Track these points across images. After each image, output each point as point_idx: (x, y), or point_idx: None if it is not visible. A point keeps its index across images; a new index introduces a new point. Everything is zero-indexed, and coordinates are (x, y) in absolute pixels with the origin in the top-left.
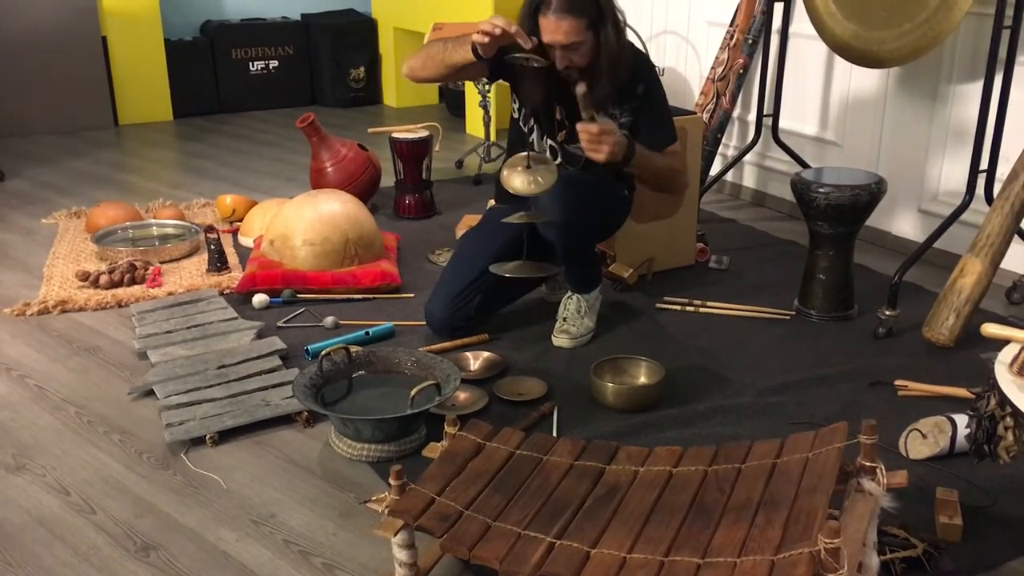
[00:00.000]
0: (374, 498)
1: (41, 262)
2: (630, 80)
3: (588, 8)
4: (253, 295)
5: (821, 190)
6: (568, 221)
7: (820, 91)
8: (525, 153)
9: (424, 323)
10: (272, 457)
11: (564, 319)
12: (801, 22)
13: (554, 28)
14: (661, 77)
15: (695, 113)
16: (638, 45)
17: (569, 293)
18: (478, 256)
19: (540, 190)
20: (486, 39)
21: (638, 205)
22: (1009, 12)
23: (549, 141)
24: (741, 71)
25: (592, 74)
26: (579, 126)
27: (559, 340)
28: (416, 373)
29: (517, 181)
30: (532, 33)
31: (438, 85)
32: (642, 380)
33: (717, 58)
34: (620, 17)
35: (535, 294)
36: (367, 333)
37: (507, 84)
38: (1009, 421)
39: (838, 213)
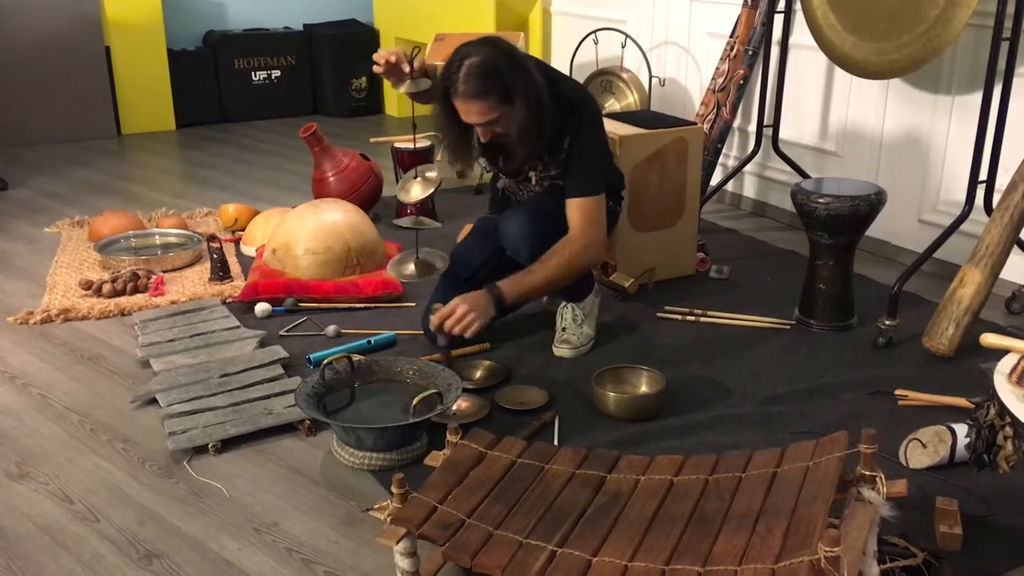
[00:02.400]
0: (376, 506)
1: (44, 271)
2: (556, 134)
3: (493, 88)
4: (255, 304)
5: (821, 200)
6: (529, 247)
7: (820, 102)
8: (413, 171)
9: (423, 332)
10: (274, 465)
11: (563, 329)
12: (801, 33)
13: (465, 110)
14: (662, 87)
15: (695, 124)
16: (635, 56)
17: (563, 302)
18: (467, 266)
19: (434, 187)
20: (378, 71)
21: (639, 215)
22: (1008, 24)
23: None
24: (741, 82)
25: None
26: (436, 323)
27: (560, 350)
28: (418, 382)
29: (416, 189)
30: (452, 113)
31: None
32: (643, 389)
33: (718, 69)
34: (535, 84)
35: (535, 303)
36: (369, 342)
37: None
38: (1008, 431)
39: (838, 223)
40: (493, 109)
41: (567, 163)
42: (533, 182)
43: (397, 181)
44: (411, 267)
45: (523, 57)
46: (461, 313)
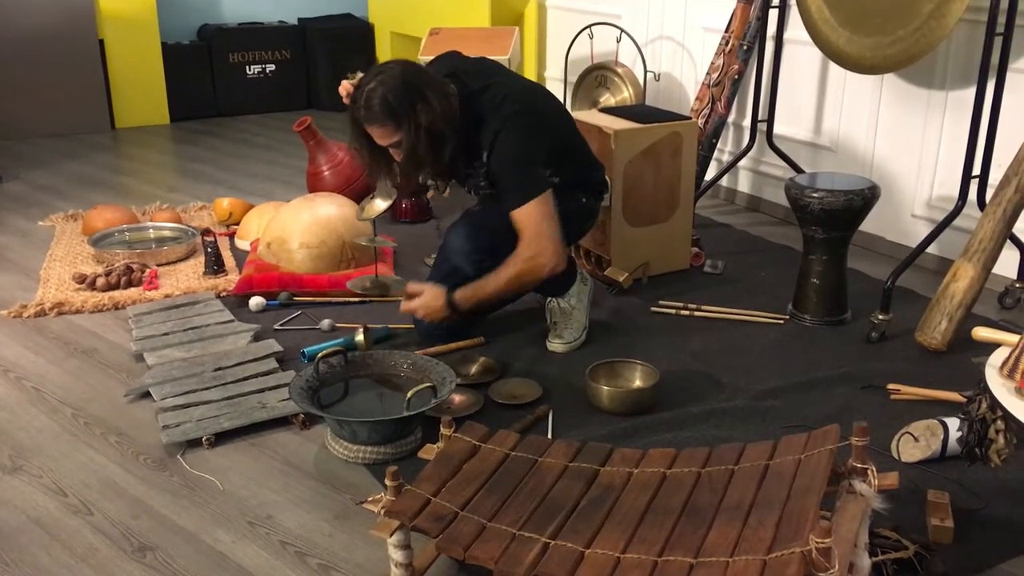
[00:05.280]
0: (370, 499)
1: (38, 264)
2: (474, 147)
3: (386, 115)
4: (250, 298)
5: (815, 195)
6: (470, 262)
7: (814, 97)
8: (371, 194)
9: None
10: (268, 459)
11: (554, 324)
12: (796, 28)
13: (371, 134)
14: (657, 82)
15: (690, 118)
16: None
17: (548, 298)
18: (447, 263)
19: (391, 197)
20: (347, 101)
21: (634, 209)
22: (1001, 19)
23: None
24: (736, 77)
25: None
26: (402, 308)
27: (553, 345)
28: (412, 376)
29: (377, 203)
30: (363, 133)
31: None
32: (637, 383)
33: (712, 64)
34: (430, 107)
35: (530, 298)
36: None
37: None
38: (1000, 424)
39: (832, 218)
40: (392, 133)
41: (494, 176)
42: (472, 193)
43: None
44: (367, 283)
45: (424, 79)
46: (414, 306)
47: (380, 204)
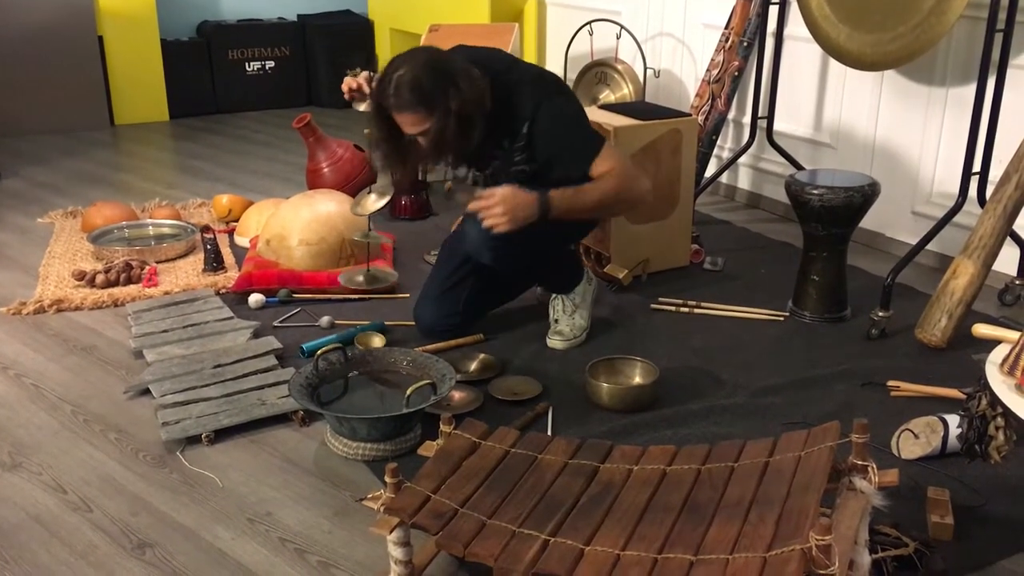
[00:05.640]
0: (370, 496)
1: (37, 261)
2: (511, 126)
3: (420, 101)
4: (249, 295)
5: (815, 192)
6: (489, 249)
7: (814, 93)
8: (367, 188)
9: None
10: (268, 456)
11: (555, 320)
12: (796, 25)
13: (400, 121)
14: (656, 79)
15: (690, 115)
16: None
17: (554, 294)
18: (453, 260)
19: (387, 198)
20: (348, 97)
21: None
22: (1002, 15)
23: (470, 172)
24: (736, 73)
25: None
26: (471, 209)
27: (552, 342)
28: (412, 373)
29: (372, 200)
30: (387, 124)
31: None
32: (637, 380)
33: (712, 60)
34: (462, 92)
35: (530, 295)
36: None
37: None
38: (1000, 421)
39: (832, 215)
40: (424, 120)
41: (539, 149)
42: (498, 174)
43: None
44: (360, 277)
45: (452, 64)
46: (498, 210)
47: (375, 200)
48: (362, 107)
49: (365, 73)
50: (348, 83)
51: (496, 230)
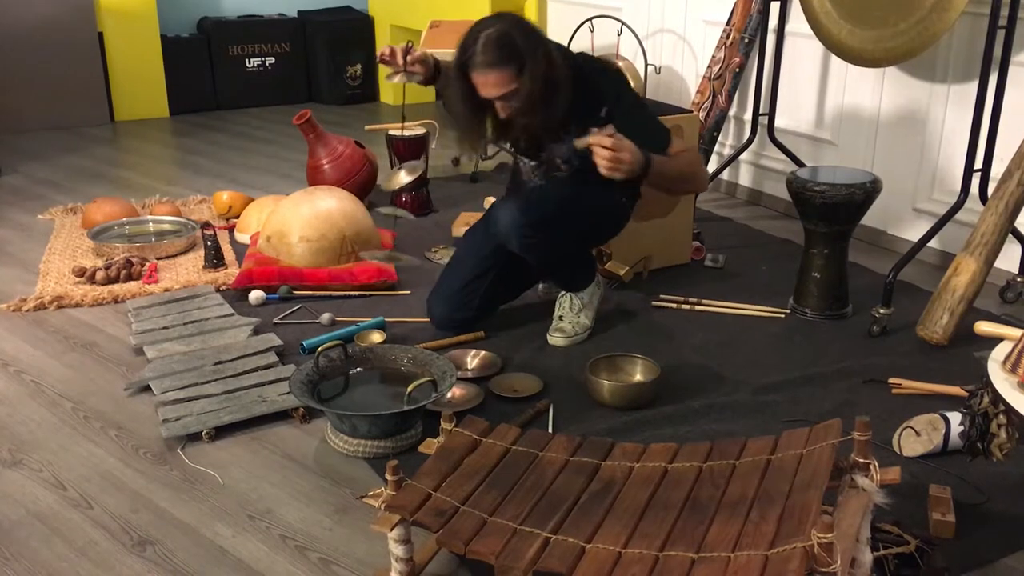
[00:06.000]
0: (370, 493)
1: (37, 258)
2: (588, 106)
3: (511, 58)
4: (249, 291)
5: (816, 189)
6: (518, 236)
7: (816, 90)
8: (399, 166)
9: (419, 319)
10: (268, 453)
11: (560, 317)
12: (797, 21)
13: (483, 82)
14: (658, 75)
15: (691, 112)
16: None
17: (563, 292)
18: (477, 253)
19: (418, 174)
20: (381, 61)
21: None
22: (1004, 12)
23: (524, 160)
24: (737, 70)
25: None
26: (593, 144)
27: (554, 339)
28: (412, 370)
29: (402, 176)
30: (468, 93)
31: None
32: (638, 378)
33: (714, 57)
34: (551, 55)
35: (531, 292)
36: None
37: None
38: (1002, 419)
39: (833, 212)
40: (511, 80)
41: (617, 127)
42: (549, 162)
43: (392, 168)
44: (383, 254)
45: (539, 30)
46: (626, 155)
47: (405, 176)
48: (396, 79)
49: (404, 44)
50: (386, 49)
51: (610, 175)
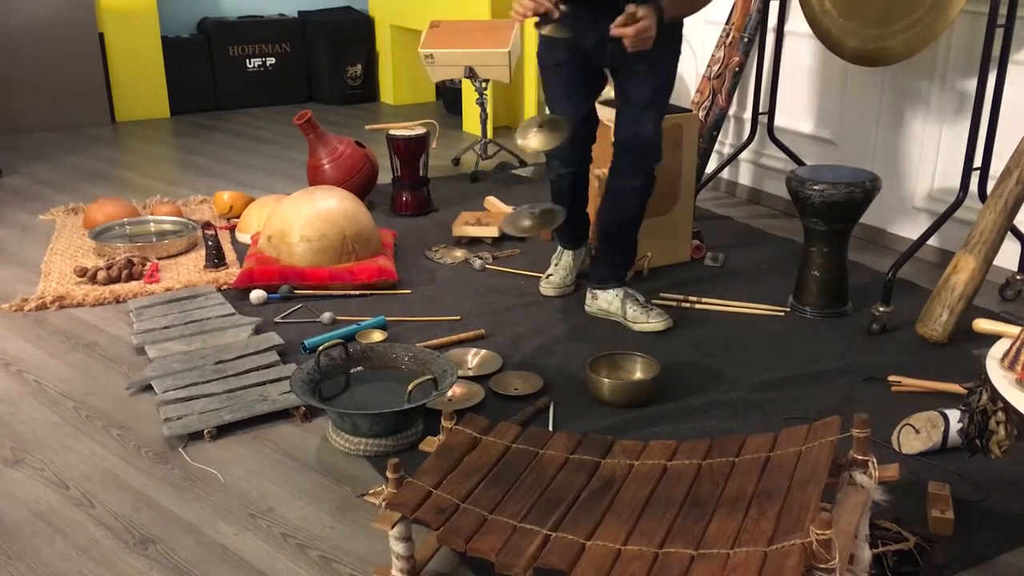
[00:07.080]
0: (371, 491)
1: (39, 258)
2: None
3: None
4: (250, 291)
5: (816, 187)
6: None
7: (816, 89)
8: (536, 116)
9: (420, 319)
10: (270, 451)
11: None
12: (797, 20)
13: None
14: None
15: (691, 111)
16: None
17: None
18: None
19: (556, 142)
20: (519, 19)
21: None
22: (1003, 11)
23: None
24: (737, 69)
25: None
26: (621, 35)
27: (545, 289)
28: (413, 368)
29: (534, 141)
30: None
31: (435, 84)
32: (637, 375)
33: (713, 56)
34: None
35: (532, 290)
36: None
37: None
38: (1001, 416)
39: (832, 210)
40: None
41: None
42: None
43: (392, 169)
44: (527, 222)
45: None
46: (644, 26)
47: (535, 143)
48: (545, 30)
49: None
50: (517, 9)
51: (638, 49)
